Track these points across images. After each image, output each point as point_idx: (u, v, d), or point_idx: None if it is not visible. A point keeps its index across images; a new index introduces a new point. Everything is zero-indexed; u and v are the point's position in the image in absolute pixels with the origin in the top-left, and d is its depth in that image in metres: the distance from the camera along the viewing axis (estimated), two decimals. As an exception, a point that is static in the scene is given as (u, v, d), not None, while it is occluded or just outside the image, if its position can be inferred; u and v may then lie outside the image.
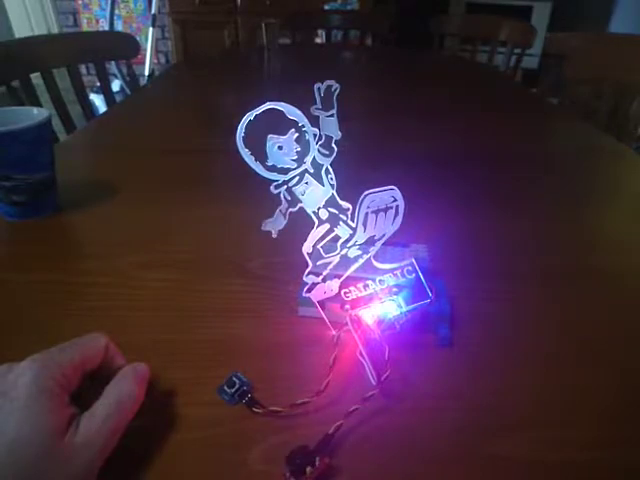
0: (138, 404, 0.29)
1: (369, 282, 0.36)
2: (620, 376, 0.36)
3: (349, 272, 0.36)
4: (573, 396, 0.34)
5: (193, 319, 0.40)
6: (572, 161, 0.78)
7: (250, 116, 0.31)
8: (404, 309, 0.36)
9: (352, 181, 0.35)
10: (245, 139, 0.31)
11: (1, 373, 0.26)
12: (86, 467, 0.25)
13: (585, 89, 1.20)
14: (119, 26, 3.28)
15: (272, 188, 0.33)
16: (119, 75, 2.50)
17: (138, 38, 1.33)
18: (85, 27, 3.35)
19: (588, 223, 0.59)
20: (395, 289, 0.36)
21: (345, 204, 0.35)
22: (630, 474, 0.29)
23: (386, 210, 0.34)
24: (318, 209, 0.34)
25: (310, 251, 0.35)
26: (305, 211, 0.34)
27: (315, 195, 0.34)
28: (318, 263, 0.35)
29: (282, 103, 0.31)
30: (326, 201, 0.34)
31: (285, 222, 0.34)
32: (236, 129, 0.31)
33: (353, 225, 0.35)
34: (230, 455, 0.29)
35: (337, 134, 0.33)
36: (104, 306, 0.42)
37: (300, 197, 0.34)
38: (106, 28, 2.89)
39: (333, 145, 0.33)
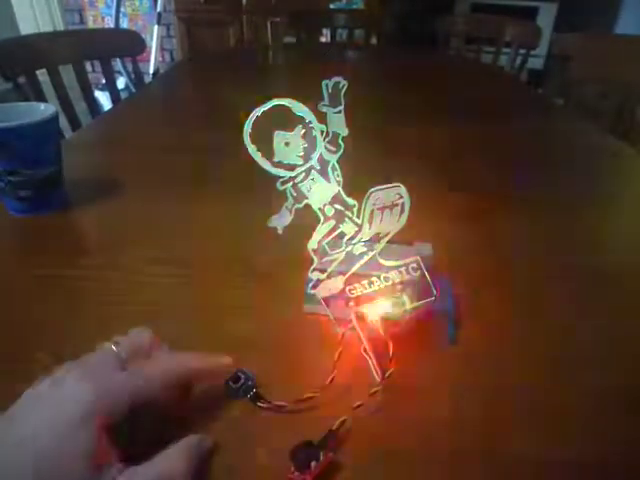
0: None
1: (374, 279, 0.36)
2: (621, 376, 0.36)
3: (354, 269, 0.36)
4: (575, 396, 0.34)
5: (198, 315, 0.41)
6: (575, 161, 0.77)
7: (257, 112, 0.31)
8: (408, 306, 0.36)
9: (358, 178, 0.35)
10: (252, 135, 0.31)
11: (46, 386, 0.25)
12: None
13: (590, 90, 1.20)
14: (125, 24, 3.29)
15: (278, 184, 0.33)
16: (124, 72, 2.50)
17: (143, 36, 1.33)
18: (91, 24, 3.36)
19: (592, 223, 0.59)
20: (400, 286, 0.36)
21: (351, 201, 0.35)
22: (630, 474, 0.29)
23: (392, 207, 0.34)
24: (324, 206, 0.34)
25: (315, 248, 0.35)
26: (311, 208, 0.34)
27: (321, 192, 0.34)
28: (323, 260, 0.35)
29: (289, 99, 0.31)
30: (332, 198, 0.34)
31: (291, 218, 0.34)
32: (241, 126, 0.31)
33: (359, 222, 0.35)
34: (235, 449, 0.29)
35: (344, 131, 0.33)
36: (109, 301, 0.42)
37: (306, 193, 0.34)
38: (112, 26, 2.90)
39: (340, 142, 0.33)
